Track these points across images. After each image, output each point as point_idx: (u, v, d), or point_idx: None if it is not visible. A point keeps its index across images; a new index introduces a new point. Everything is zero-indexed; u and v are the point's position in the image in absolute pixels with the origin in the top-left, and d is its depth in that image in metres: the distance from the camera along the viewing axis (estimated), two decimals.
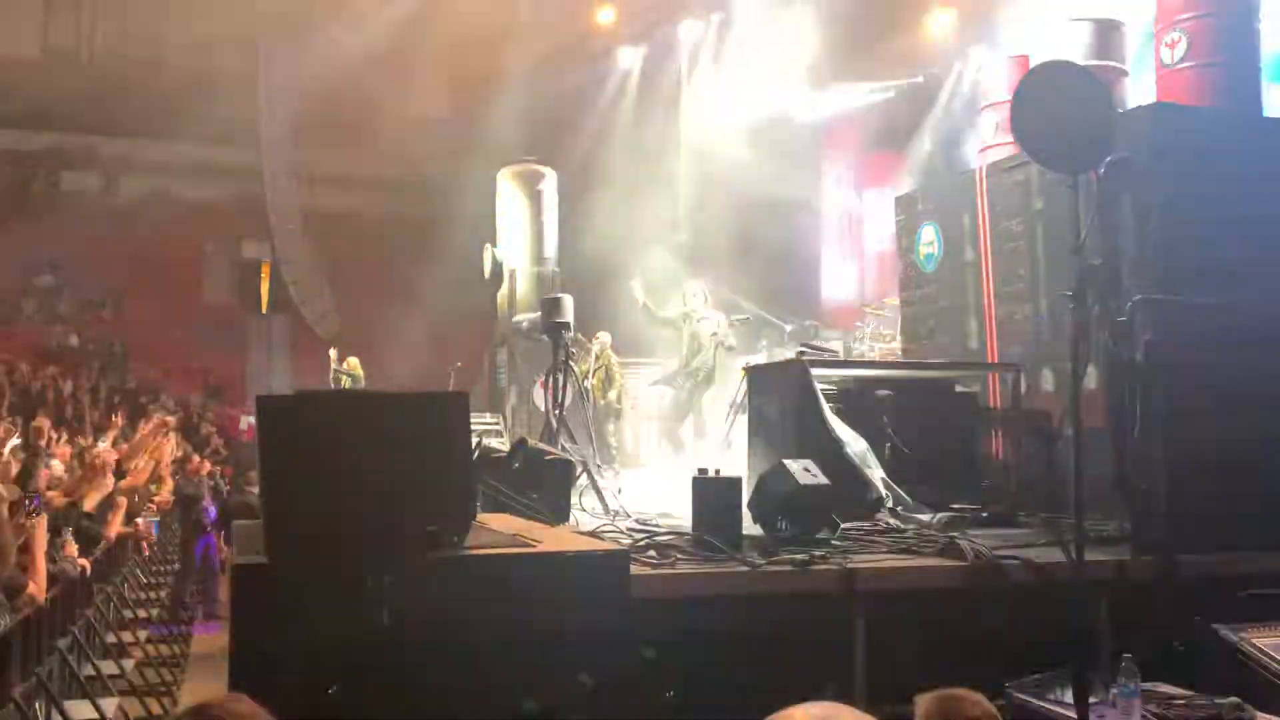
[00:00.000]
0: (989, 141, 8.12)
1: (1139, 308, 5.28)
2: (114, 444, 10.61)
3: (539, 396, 12.18)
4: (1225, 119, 6.40)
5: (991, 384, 7.12)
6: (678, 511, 5.63)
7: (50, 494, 7.54)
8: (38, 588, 5.45)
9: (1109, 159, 5.27)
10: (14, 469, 8.11)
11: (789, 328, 13.21)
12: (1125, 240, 5.58)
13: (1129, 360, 5.25)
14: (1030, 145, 4.84)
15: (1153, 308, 5.30)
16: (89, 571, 7.18)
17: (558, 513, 5.63)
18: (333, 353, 15.41)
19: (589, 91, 20.14)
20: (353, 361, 14.54)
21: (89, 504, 7.62)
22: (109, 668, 6.89)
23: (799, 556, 4.55)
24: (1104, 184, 5.47)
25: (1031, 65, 6.67)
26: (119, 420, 12.24)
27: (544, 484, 5.72)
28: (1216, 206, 5.46)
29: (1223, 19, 6.88)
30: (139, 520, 9.29)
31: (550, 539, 3.94)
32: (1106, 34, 7.30)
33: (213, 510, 12.24)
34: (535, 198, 15.91)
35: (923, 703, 2.68)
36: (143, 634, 8.67)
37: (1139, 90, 7.88)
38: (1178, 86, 6.90)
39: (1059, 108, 4.56)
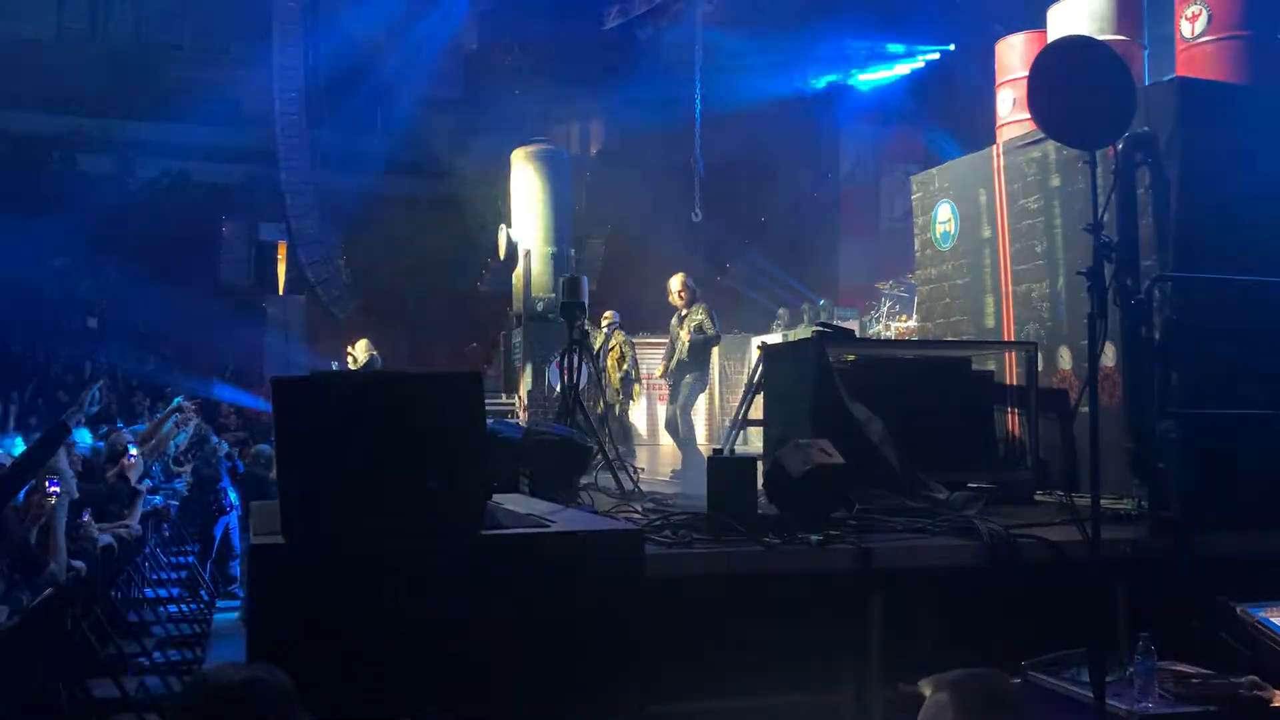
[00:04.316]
0: (1005, 118, 8.04)
1: (1157, 285, 5.24)
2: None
3: (554, 377, 12.21)
4: (1246, 93, 6.32)
5: (1008, 362, 7.08)
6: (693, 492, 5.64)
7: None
8: (58, 567, 5.50)
9: (1127, 135, 5.22)
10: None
11: (805, 306, 13.20)
12: (1144, 217, 5.52)
13: (1147, 339, 5.21)
14: (1047, 121, 4.79)
15: (1171, 285, 5.26)
16: (115, 550, 7.25)
17: (572, 493, 5.64)
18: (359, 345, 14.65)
19: (603, 69, 20.08)
20: (361, 344, 14.01)
21: None
22: (130, 646, 6.96)
23: (815, 536, 4.54)
24: (1122, 160, 5.41)
25: (1048, 40, 6.61)
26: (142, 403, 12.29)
27: (558, 464, 5.72)
28: (1237, 183, 5.40)
29: None
30: (156, 502, 9.37)
31: (564, 519, 3.94)
32: (1124, 8, 7.22)
33: (231, 490, 12.31)
34: (548, 178, 15.91)
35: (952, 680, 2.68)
36: (164, 612, 8.76)
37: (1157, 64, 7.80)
38: (1198, 60, 6.82)
39: (1076, 83, 4.50)
